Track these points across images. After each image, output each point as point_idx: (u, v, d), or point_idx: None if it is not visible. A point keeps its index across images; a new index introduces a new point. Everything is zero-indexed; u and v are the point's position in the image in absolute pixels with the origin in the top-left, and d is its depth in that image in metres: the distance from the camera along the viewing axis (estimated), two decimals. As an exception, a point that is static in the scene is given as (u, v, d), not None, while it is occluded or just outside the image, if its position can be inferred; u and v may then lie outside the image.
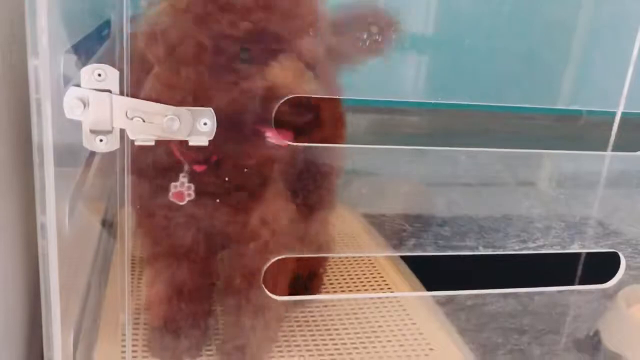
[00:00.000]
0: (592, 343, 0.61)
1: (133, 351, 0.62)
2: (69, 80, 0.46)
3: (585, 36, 0.80)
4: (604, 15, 0.78)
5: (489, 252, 0.52)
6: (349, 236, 0.93)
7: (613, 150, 0.65)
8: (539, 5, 0.78)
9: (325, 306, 0.75)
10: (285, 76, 0.46)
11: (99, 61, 0.45)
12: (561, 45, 0.79)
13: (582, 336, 0.58)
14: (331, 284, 0.81)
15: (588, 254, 0.62)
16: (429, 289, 0.78)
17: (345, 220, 0.97)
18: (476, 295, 0.57)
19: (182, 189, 0.52)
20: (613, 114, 0.65)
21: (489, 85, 0.64)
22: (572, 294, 0.55)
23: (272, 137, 0.47)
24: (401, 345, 0.69)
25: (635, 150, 0.61)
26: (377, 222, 0.91)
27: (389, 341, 0.69)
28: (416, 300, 0.77)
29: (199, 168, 0.52)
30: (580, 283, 0.62)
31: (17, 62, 0.52)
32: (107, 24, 0.61)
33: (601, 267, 0.61)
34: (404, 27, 0.69)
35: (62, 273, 0.46)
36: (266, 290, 0.57)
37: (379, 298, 0.77)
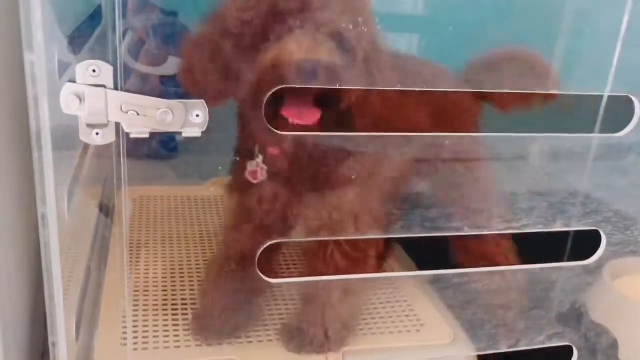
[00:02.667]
0: (575, 316, 0.64)
1: (134, 332, 0.64)
2: (66, 67, 0.47)
3: (572, 19, 0.81)
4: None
5: (475, 232, 0.54)
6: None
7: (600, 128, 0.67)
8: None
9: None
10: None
11: (92, 52, 0.46)
12: (548, 28, 0.80)
13: (565, 310, 0.61)
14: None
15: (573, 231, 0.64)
16: (422, 267, 0.80)
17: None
18: (464, 274, 0.59)
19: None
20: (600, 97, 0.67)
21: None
22: (555, 270, 0.58)
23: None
24: (393, 322, 0.71)
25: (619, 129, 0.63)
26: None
27: (382, 318, 0.72)
28: (407, 279, 0.79)
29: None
30: (567, 260, 0.65)
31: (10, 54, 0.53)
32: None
33: (584, 243, 0.63)
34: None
35: (64, 260, 0.48)
36: (259, 273, 0.59)
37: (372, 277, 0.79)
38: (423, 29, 0.78)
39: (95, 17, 0.65)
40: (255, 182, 0.58)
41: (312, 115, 0.52)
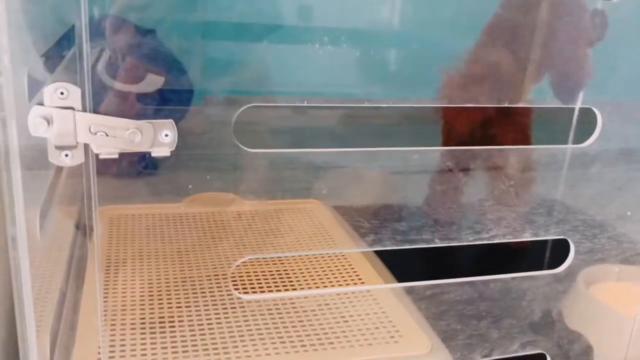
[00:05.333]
0: (548, 323, 0.64)
1: (110, 351, 0.64)
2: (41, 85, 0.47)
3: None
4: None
5: (445, 244, 0.55)
6: (323, 229, 0.95)
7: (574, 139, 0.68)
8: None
9: (298, 298, 0.78)
10: None
11: (66, 72, 0.47)
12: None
13: (537, 318, 0.61)
14: (304, 277, 0.84)
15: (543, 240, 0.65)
16: (401, 279, 0.80)
17: (318, 213, 0.99)
18: (438, 285, 0.59)
19: None
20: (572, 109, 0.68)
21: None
22: (527, 279, 0.58)
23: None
24: (372, 334, 0.71)
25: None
26: (345, 217, 0.94)
27: (359, 330, 0.72)
28: (385, 290, 0.79)
29: None
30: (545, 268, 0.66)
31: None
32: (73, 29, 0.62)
33: (556, 252, 0.64)
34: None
35: (36, 282, 0.47)
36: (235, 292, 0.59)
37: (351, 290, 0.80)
38: (393, 43, 0.79)
39: (69, 36, 0.65)
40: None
41: None
